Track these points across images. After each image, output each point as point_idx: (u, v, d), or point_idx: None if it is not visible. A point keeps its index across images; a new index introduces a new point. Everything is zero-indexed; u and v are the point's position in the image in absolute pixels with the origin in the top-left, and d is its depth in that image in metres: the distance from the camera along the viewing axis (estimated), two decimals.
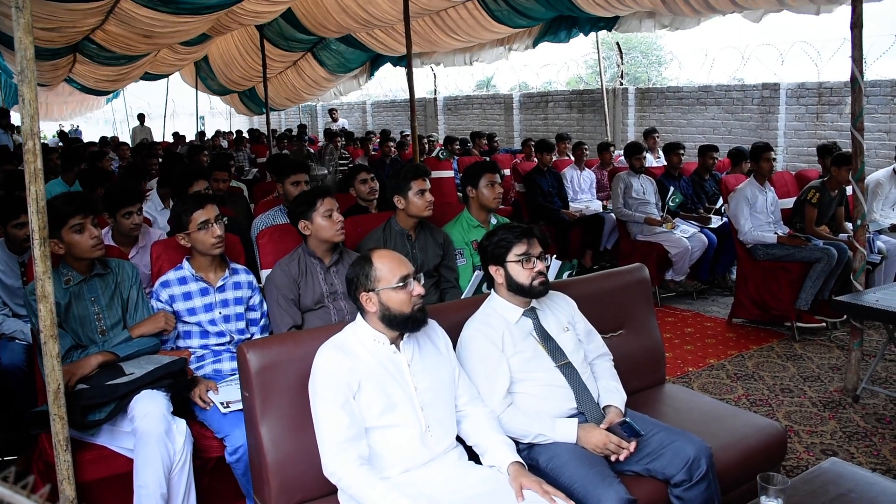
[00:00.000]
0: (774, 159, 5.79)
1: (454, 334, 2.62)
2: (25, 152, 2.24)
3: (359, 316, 2.40)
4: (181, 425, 2.67)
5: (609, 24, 8.94)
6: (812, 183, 5.79)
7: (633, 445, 2.44)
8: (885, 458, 3.52)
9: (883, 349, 4.29)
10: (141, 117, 17.35)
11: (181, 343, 3.13)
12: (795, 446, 3.63)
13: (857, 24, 4.14)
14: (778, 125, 9.25)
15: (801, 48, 9.48)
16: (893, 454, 3.55)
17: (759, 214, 5.59)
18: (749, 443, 2.80)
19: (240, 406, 2.62)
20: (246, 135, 15.58)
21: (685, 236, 6.18)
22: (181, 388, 2.84)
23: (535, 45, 10.21)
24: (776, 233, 5.51)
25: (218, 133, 16.16)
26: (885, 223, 5.95)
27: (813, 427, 3.87)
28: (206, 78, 14.99)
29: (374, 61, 13.24)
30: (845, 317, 5.02)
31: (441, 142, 11.49)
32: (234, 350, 3.08)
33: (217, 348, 3.15)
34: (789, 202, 5.97)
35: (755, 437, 2.84)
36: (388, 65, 13.19)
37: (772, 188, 5.77)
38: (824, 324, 5.39)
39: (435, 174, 6.80)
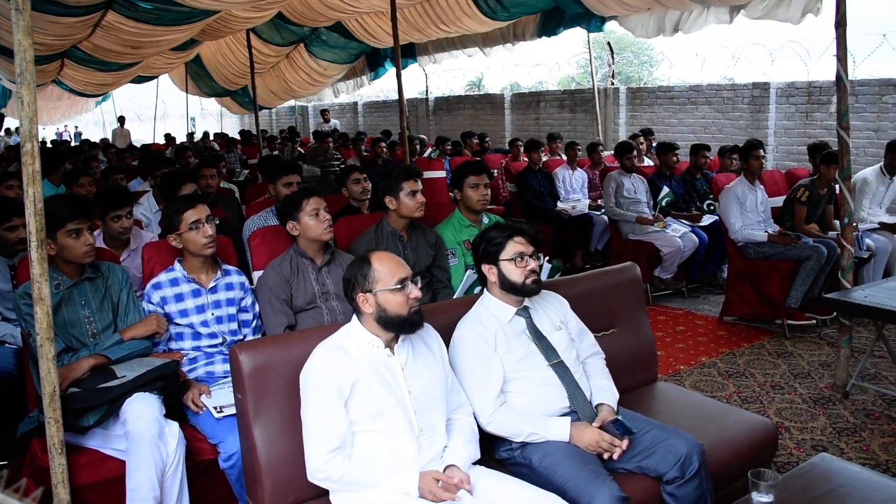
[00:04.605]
0: (764, 157, 5.82)
1: (446, 334, 2.62)
2: (24, 154, 2.25)
3: (354, 318, 2.40)
4: (174, 428, 2.67)
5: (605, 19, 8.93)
6: (801, 181, 5.83)
7: (625, 443, 2.46)
8: (874, 452, 3.54)
9: (872, 345, 4.32)
10: (121, 119, 17.29)
11: (173, 345, 3.13)
12: (786, 442, 3.65)
13: (841, 23, 4.16)
14: (768, 124, 9.29)
15: (790, 48, 9.53)
16: (882, 449, 3.58)
17: (749, 213, 5.62)
18: (740, 439, 2.82)
19: (233, 410, 2.61)
20: (237, 136, 15.55)
21: (677, 235, 6.20)
22: (173, 390, 2.84)
23: (537, 36, 10.14)
24: (766, 231, 5.54)
25: (206, 135, 16.08)
26: (873, 221, 5.99)
27: (803, 423, 3.89)
28: (199, 79, 14.89)
29: (374, 56, 13.13)
30: (835, 314, 5.05)
31: (432, 142, 11.49)
32: (227, 352, 3.08)
33: (209, 350, 3.15)
34: (779, 200, 6.00)
35: (746, 433, 2.85)
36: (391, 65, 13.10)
37: (762, 186, 5.80)
38: (814, 321, 5.41)
39: (427, 174, 6.81)
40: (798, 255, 5.31)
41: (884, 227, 5.93)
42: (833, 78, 4.26)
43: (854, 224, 4.39)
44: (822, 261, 5.23)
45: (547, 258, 3.81)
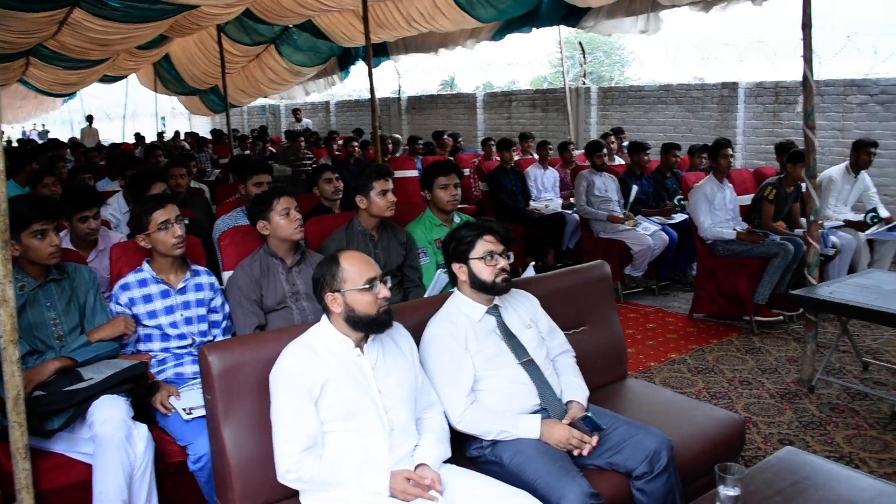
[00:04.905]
0: (732, 156, 5.89)
1: (417, 333, 2.63)
2: None
3: (323, 317, 2.39)
4: (142, 430, 2.64)
5: (575, 19, 8.90)
6: (769, 180, 5.91)
7: (595, 440, 2.48)
8: (838, 445, 3.62)
9: (836, 341, 4.40)
10: (89, 118, 17.06)
11: (142, 347, 3.10)
12: (754, 437, 3.71)
13: (807, 25, 4.23)
14: (737, 123, 9.41)
15: (758, 48, 9.67)
16: (846, 441, 3.65)
17: (718, 211, 5.69)
18: (708, 434, 2.86)
19: (202, 412, 2.59)
20: (208, 135, 15.39)
21: (647, 234, 6.26)
22: (142, 392, 2.81)
23: (498, 37, 10.08)
24: (735, 229, 5.61)
25: (177, 134, 15.90)
26: (838, 218, 6.09)
27: (770, 417, 3.95)
28: (167, 79, 14.72)
29: (344, 57, 13.07)
30: (801, 310, 5.13)
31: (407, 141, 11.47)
32: (197, 353, 3.05)
33: (178, 351, 3.12)
34: (748, 199, 6.07)
35: (714, 428, 2.90)
36: (362, 63, 12.97)
37: (730, 185, 5.88)
38: (782, 317, 5.50)
39: (399, 174, 6.81)
40: (766, 253, 5.39)
41: (849, 224, 6.04)
42: (800, 78, 4.32)
43: (820, 222, 4.46)
44: (788, 258, 5.32)
45: (533, 263, 3.86)
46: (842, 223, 6.05)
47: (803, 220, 5.55)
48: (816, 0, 4.22)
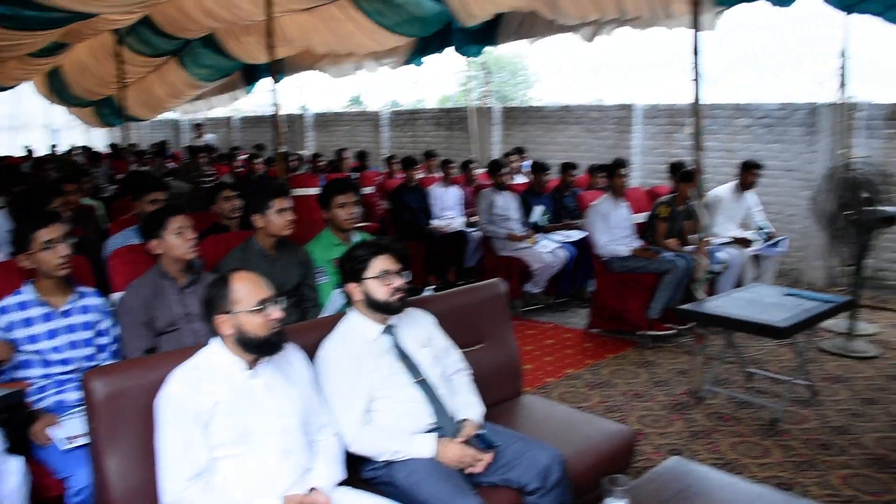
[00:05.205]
0: (626, 175, 6.12)
1: (313, 353, 2.60)
2: None
3: (214, 339, 2.34)
4: (15, 464, 2.48)
5: (486, 41, 9.03)
6: (662, 198, 6.16)
7: (488, 457, 2.51)
8: (723, 453, 3.79)
9: (723, 352, 4.62)
10: None
11: (20, 373, 2.92)
12: (645, 448, 3.84)
13: (696, 51, 4.47)
14: (632, 143, 9.77)
15: (654, 72, 10.10)
16: (731, 448, 3.84)
17: (614, 229, 5.88)
18: (602, 448, 2.94)
19: (86, 440, 2.47)
20: (107, 149, 14.79)
21: (545, 251, 6.40)
22: (19, 422, 2.65)
23: (408, 62, 10.12)
24: (630, 246, 5.82)
25: (73, 148, 15.18)
26: (725, 236, 6.41)
27: (662, 428, 4.11)
28: (59, 89, 14.04)
29: (250, 71, 12.82)
30: (691, 324, 5.35)
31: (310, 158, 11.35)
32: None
33: (61, 377, 2.97)
34: (644, 216, 6.31)
35: (607, 441, 2.99)
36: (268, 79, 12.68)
37: (626, 203, 6.09)
38: (674, 331, 5.72)
39: (302, 191, 6.74)
40: (658, 269, 5.61)
41: (736, 241, 6.36)
42: (691, 101, 4.53)
43: (708, 239, 4.68)
44: (679, 274, 5.55)
45: (434, 287, 3.88)
46: (729, 240, 6.36)
47: (694, 237, 5.81)
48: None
